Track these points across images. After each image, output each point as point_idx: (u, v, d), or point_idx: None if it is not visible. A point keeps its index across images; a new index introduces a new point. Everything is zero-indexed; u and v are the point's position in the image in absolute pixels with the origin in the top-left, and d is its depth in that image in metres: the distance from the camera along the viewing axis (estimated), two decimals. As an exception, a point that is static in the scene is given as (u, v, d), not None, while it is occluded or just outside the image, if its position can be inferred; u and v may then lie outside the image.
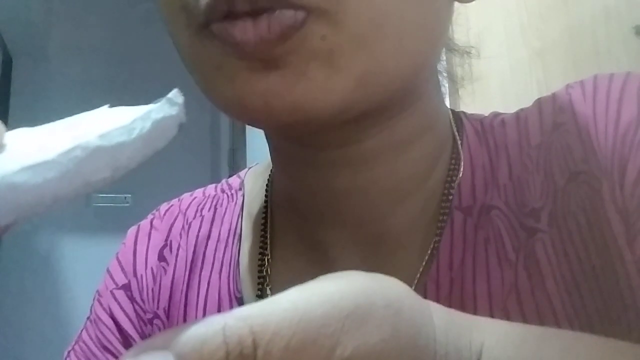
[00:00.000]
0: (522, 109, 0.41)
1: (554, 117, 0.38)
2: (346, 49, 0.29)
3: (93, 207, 2.94)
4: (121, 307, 0.45)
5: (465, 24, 0.46)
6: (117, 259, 0.47)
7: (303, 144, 0.36)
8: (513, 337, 0.24)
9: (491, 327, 0.24)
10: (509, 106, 0.42)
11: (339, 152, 0.35)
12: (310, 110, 0.29)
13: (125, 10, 2.77)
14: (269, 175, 0.45)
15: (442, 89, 0.42)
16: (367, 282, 0.21)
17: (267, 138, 0.40)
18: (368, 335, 0.19)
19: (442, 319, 0.22)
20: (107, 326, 0.45)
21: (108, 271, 0.47)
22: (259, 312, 0.18)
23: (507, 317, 0.34)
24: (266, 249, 0.41)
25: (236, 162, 2.57)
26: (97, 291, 0.47)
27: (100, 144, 0.22)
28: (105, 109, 0.23)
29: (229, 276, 0.42)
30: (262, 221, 0.43)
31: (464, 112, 0.42)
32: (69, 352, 0.45)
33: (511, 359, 0.23)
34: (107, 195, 2.94)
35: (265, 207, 0.43)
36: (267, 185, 0.44)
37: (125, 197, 2.95)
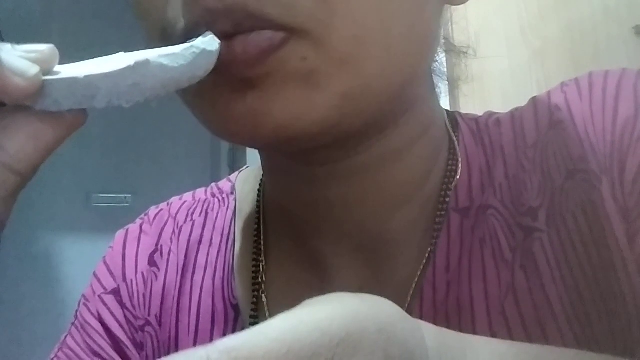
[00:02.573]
0: (516, 108, 0.40)
1: (550, 116, 0.37)
2: (328, 69, 0.29)
3: (93, 207, 2.94)
4: (111, 312, 0.44)
5: (464, 24, 0.46)
6: (105, 262, 0.46)
7: (295, 159, 0.36)
8: (508, 358, 0.23)
9: (485, 347, 0.24)
10: (508, 106, 0.41)
11: (331, 166, 0.35)
12: (293, 128, 0.29)
13: (126, 11, 2.77)
14: (261, 179, 0.44)
15: (439, 89, 0.42)
16: (357, 305, 0.20)
17: (259, 149, 0.39)
18: None
19: (434, 341, 0.22)
20: (96, 331, 0.43)
21: (95, 275, 0.46)
22: (243, 343, 0.17)
23: (505, 319, 0.34)
24: (260, 254, 0.41)
25: (236, 162, 2.56)
26: (83, 295, 0.46)
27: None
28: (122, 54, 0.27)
29: (222, 282, 0.42)
30: (255, 226, 0.42)
31: (459, 113, 0.42)
32: (52, 359, 0.44)
33: None
34: (107, 195, 2.94)
35: (258, 212, 0.43)
36: (259, 190, 0.44)
37: (125, 197, 2.94)
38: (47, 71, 0.25)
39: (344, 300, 0.20)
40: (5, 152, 0.24)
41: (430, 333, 0.22)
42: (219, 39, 0.28)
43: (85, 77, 0.25)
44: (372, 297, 0.21)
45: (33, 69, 0.24)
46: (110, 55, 0.27)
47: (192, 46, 0.27)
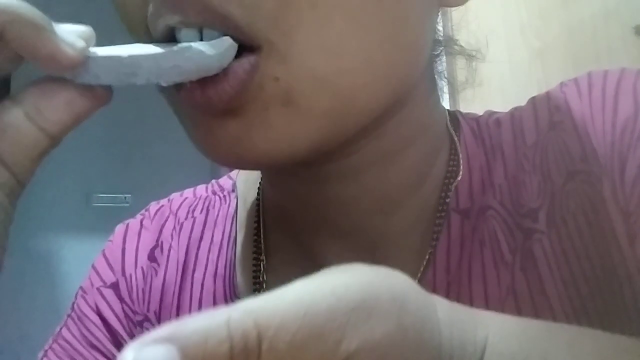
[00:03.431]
0: (516, 108, 0.40)
1: (549, 116, 0.37)
2: (303, 89, 0.28)
3: (93, 207, 2.93)
4: (109, 306, 0.44)
5: (466, 26, 0.46)
6: (104, 255, 0.46)
7: None
8: (517, 332, 0.24)
9: (495, 321, 0.24)
10: (508, 106, 0.41)
11: (328, 167, 0.35)
12: (276, 157, 0.30)
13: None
14: (261, 177, 0.44)
15: (440, 90, 0.42)
16: (372, 275, 0.20)
17: None
18: (374, 328, 0.19)
19: (446, 313, 0.22)
20: (94, 323, 0.43)
21: (94, 268, 0.46)
22: (263, 305, 0.17)
23: None
24: (261, 254, 0.41)
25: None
26: (81, 288, 0.46)
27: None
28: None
29: (224, 280, 0.42)
30: (255, 225, 0.42)
31: (460, 112, 0.42)
32: (46, 351, 0.44)
33: (515, 354, 0.23)
34: (107, 195, 2.94)
35: (258, 210, 0.43)
36: (259, 188, 0.44)
37: (125, 197, 2.94)
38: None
39: (359, 270, 0.21)
40: (42, 116, 0.26)
41: (442, 306, 0.23)
42: (190, 90, 0.29)
43: (130, 56, 0.27)
44: (387, 269, 0.21)
45: (80, 42, 0.26)
46: (135, 44, 0.29)
47: (223, 39, 0.28)
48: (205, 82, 0.28)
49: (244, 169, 0.34)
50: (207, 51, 0.28)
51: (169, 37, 0.29)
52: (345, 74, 0.29)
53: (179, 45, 0.28)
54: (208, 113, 0.29)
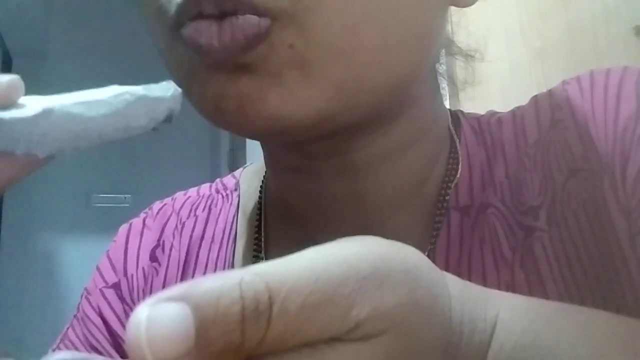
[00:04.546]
0: (518, 107, 0.40)
1: (551, 114, 0.37)
2: (319, 58, 0.28)
3: (93, 207, 2.94)
4: (110, 307, 0.44)
5: (466, 27, 0.46)
6: (108, 256, 0.46)
7: (294, 152, 0.36)
8: (529, 310, 0.24)
9: (507, 299, 0.24)
10: (508, 106, 0.41)
11: (331, 161, 0.35)
12: (285, 120, 0.29)
13: (126, 10, 2.77)
14: (264, 176, 0.44)
15: (442, 90, 0.42)
16: (385, 246, 0.21)
17: (261, 142, 0.39)
18: (385, 297, 0.19)
19: (457, 290, 0.22)
20: (95, 325, 0.44)
21: (98, 269, 0.46)
22: (276, 269, 0.18)
23: None
24: (260, 251, 0.41)
25: (236, 162, 2.56)
26: (86, 289, 0.46)
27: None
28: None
29: None
30: (257, 222, 0.42)
31: (461, 111, 0.42)
32: (53, 350, 0.44)
33: (526, 331, 0.23)
34: (107, 196, 2.94)
35: (260, 208, 0.43)
36: (261, 186, 0.44)
37: (125, 197, 2.95)
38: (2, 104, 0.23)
39: (373, 241, 0.21)
40: None
41: (453, 283, 0.23)
42: (207, 23, 0.27)
43: (10, 118, 0.22)
44: (400, 243, 0.21)
45: None
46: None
47: (126, 92, 0.25)
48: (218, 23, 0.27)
49: (247, 134, 0.33)
50: (87, 112, 0.24)
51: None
52: (362, 51, 0.29)
53: (45, 107, 0.23)
54: (219, 61, 0.28)
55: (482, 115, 0.41)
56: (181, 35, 0.28)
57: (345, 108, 0.30)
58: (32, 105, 0.23)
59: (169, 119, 0.27)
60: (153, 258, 0.45)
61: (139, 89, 0.25)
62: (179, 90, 0.26)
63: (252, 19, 0.27)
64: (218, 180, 0.49)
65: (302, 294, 0.17)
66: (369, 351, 0.18)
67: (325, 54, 0.28)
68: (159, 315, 0.16)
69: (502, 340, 0.22)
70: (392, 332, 0.19)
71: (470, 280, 0.35)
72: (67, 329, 0.45)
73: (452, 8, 0.37)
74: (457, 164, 0.38)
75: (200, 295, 0.16)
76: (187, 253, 0.44)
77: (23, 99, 0.24)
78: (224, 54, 0.28)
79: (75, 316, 0.45)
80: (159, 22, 0.30)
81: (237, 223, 0.44)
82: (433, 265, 0.22)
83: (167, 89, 0.26)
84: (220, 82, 0.29)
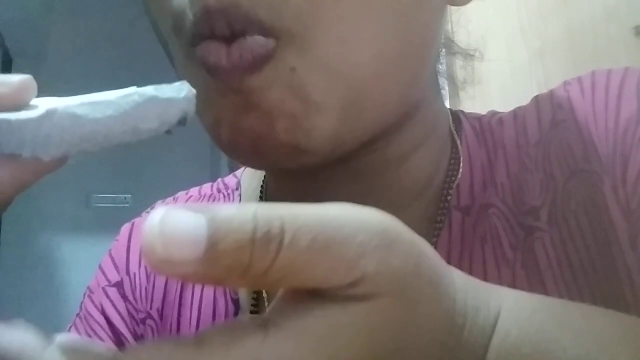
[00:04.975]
0: (519, 107, 0.40)
1: (552, 115, 0.37)
2: (317, 81, 0.29)
3: (93, 207, 2.94)
4: (113, 305, 0.44)
5: (465, 26, 0.46)
6: (110, 255, 0.47)
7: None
8: (532, 303, 0.24)
9: (509, 294, 0.24)
10: (508, 106, 0.41)
11: (335, 169, 0.35)
12: (297, 151, 0.30)
13: (126, 10, 2.77)
14: (264, 175, 0.44)
15: (442, 91, 0.42)
16: (395, 220, 0.21)
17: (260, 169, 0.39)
18: (393, 258, 0.19)
19: (461, 279, 0.23)
20: (98, 323, 0.44)
21: (100, 267, 0.46)
22: (290, 208, 0.18)
23: None
24: None
25: (236, 162, 2.56)
26: (88, 287, 0.46)
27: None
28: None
29: None
30: None
31: (462, 112, 0.42)
32: None
33: (531, 319, 0.23)
34: (107, 196, 2.94)
35: None
36: (262, 186, 0.44)
37: (125, 197, 2.94)
38: (10, 107, 0.22)
39: (382, 212, 0.21)
40: None
41: (458, 273, 0.23)
42: (218, 43, 0.28)
43: (17, 119, 0.22)
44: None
45: None
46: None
47: (135, 92, 0.24)
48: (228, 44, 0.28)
49: (265, 168, 0.33)
50: (91, 114, 0.23)
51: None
52: (358, 65, 0.29)
53: (48, 108, 0.22)
54: (229, 84, 0.29)
55: (483, 115, 0.41)
56: (196, 52, 0.29)
57: (352, 129, 0.30)
58: (35, 106, 0.23)
59: (182, 121, 0.26)
60: None
61: (149, 90, 0.24)
62: (193, 91, 0.26)
63: (260, 39, 0.27)
64: (219, 179, 0.49)
65: (315, 230, 0.18)
66: (363, 312, 0.18)
67: (322, 76, 0.29)
68: (174, 216, 0.16)
69: (507, 328, 0.22)
70: (393, 296, 0.19)
71: None
72: (70, 327, 0.45)
73: (452, 7, 0.37)
74: (459, 164, 0.38)
75: (216, 211, 0.17)
76: None
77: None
78: (233, 73, 0.28)
79: (78, 315, 0.46)
80: (177, 41, 0.31)
81: None
82: (439, 255, 0.22)
83: (180, 90, 0.25)
84: (234, 117, 0.30)
